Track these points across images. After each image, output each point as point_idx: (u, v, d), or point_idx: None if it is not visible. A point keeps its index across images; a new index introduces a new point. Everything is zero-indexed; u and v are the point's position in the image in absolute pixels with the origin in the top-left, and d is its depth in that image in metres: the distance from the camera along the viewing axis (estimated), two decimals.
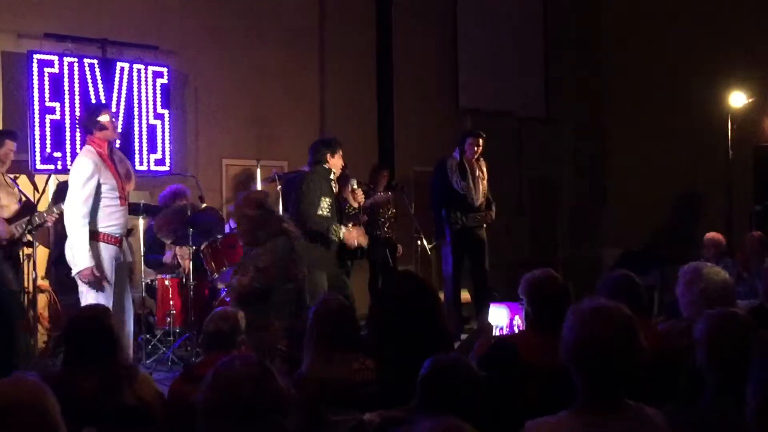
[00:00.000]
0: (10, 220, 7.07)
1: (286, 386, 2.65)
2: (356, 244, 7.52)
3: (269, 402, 2.54)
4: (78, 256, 6.26)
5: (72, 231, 6.29)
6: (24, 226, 7.03)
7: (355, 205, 8.09)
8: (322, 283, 7.31)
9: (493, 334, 5.71)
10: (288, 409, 2.64)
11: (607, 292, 4.26)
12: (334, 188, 7.60)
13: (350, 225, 7.69)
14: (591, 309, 2.90)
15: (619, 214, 14.16)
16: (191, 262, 8.01)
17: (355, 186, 7.93)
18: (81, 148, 6.73)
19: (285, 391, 2.61)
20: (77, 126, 6.79)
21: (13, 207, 7.17)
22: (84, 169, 6.36)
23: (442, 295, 8.84)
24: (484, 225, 9.48)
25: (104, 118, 6.58)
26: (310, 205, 7.35)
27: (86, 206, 6.29)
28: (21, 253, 7.33)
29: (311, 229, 7.30)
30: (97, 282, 6.27)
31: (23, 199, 7.32)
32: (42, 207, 7.32)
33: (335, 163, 7.58)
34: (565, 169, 15.14)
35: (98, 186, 6.37)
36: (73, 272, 6.30)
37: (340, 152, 7.62)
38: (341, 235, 7.38)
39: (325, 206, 7.40)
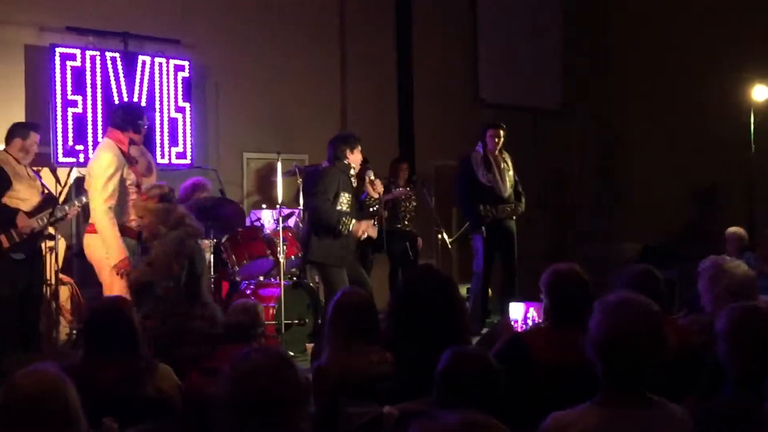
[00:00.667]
0: (31, 213, 7.10)
1: (303, 377, 2.66)
2: (362, 234, 7.52)
3: (286, 392, 2.54)
4: (112, 249, 6.30)
5: (103, 227, 6.33)
6: (45, 219, 7.07)
7: (375, 195, 8.02)
8: (342, 278, 7.33)
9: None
10: (305, 399, 2.64)
11: (626, 286, 4.24)
12: (353, 183, 7.61)
13: (372, 221, 7.70)
14: (618, 302, 2.90)
15: (638, 209, 14.07)
16: (212, 255, 8.03)
17: (372, 177, 7.88)
18: (101, 141, 6.75)
19: (302, 381, 2.62)
20: (110, 118, 6.81)
21: (35, 200, 7.21)
22: (109, 164, 6.39)
23: (463, 289, 8.83)
24: (514, 217, 9.44)
25: (143, 123, 6.66)
26: (324, 199, 7.36)
27: (113, 201, 6.34)
28: (44, 246, 7.37)
29: (323, 221, 7.35)
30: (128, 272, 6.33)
31: (45, 192, 7.36)
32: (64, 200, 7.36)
33: (354, 159, 7.58)
34: (584, 163, 15.07)
35: (122, 181, 6.42)
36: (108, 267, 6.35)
37: (359, 148, 7.62)
38: (350, 227, 7.38)
39: (344, 201, 7.41)
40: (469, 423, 2.36)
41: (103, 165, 6.43)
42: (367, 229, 7.54)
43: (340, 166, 7.52)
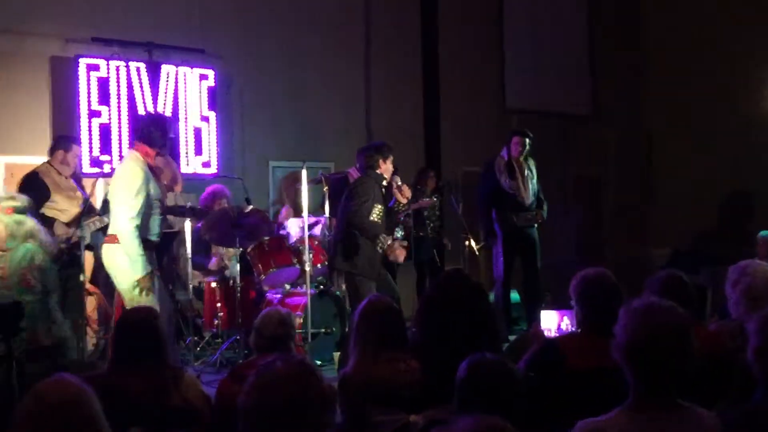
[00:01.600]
0: (69, 224, 7.17)
1: (328, 386, 2.63)
2: (395, 258, 7.52)
3: (311, 401, 2.53)
4: (136, 264, 6.29)
5: (128, 241, 6.29)
6: (84, 228, 7.11)
7: (404, 201, 7.96)
8: (368, 287, 7.30)
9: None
10: (329, 407, 2.62)
11: (655, 292, 4.19)
12: (383, 194, 7.59)
13: (397, 238, 7.70)
14: (644, 307, 2.88)
15: (668, 213, 13.98)
16: (238, 264, 8.02)
17: (399, 182, 7.83)
18: (127, 154, 6.75)
19: (326, 389, 2.59)
20: (136, 130, 6.81)
21: (74, 211, 7.28)
22: (137, 178, 6.35)
23: (491, 296, 8.79)
24: (536, 224, 9.39)
25: (169, 135, 6.67)
26: (363, 209, 7.33)
27: (140, 217, 6.32)
28: (82, 255, 7.37)
29: (366, 232, 7.33)
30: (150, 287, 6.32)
31: (85, 203, 7.39)
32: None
33: (387, 169, 7.55)
34: (612, 168, 14.99)
35: (147, 196, 6.41)
36: (131, 279, 6.35)
37: (392, 158, 7.60)
38: (385, 246, 7.41)
39: (376, 212, 7.38)
40: (483, 427, 2.34)
41: (130, 179, 6.37)
42: (399, 255, 7.58)
43: (373, 176, 7.51)
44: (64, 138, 7.69)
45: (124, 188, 6.36)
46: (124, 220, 6.30)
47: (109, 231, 6.52)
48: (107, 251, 6.48)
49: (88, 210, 7.37)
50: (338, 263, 7.57)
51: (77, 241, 7.11)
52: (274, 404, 2.50)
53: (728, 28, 12.99)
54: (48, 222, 7.15)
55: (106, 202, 7.42)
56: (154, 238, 6.54)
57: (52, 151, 7.50)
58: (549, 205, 9.58)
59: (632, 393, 2.87)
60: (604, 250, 14.61)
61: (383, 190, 7.57)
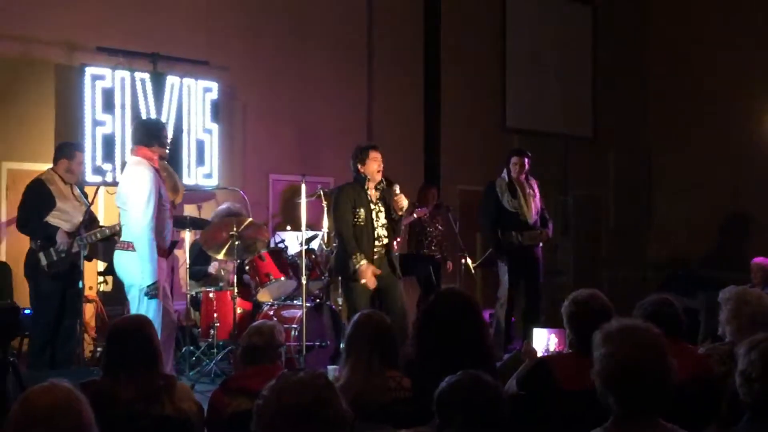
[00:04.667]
0: (72, 233, 7.21)
1: (347, 407, 2.64)
2: (364, 282, 7.38)
3: (327, 417, 2.53)
4: (147, 270, 6.30)
5: (143, 246, 6.29)
6: (83, 239, 7.14)
7: (399, 212, 7.92)
8: (364, 297, 7.37)
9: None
10: (345, 428, 2.62)
11: (644, 315, 4.23)
12: (372, 195, 7.55)
13: (371, 261, 7.57)
14: (617, 328, 2.90)
15: (665, 236, 14.02)
16: (236, 276, 8.06)
17: (398, 191, 7.77)
18: (130, 159, 6.72)
19: (344, 408, 2.60)
20: (134, 136, 6.83)
21: (78, 219, 7.31)
22: (148, 183, 6.34)
23: (486, 314, 8.79)
24: (540, 243, 9.41)
25: (166, 135, 6.70)
26: (339, 220, 7.40)
27: (153, 221, 6.34)
28: (81, 263, 7.41)
29: (342, 243, 7.38)
30: (157, 295, 6.36)
31: (89, 212, 7.42)
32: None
33: (368, 169, 7.50)
34: (611, 190, 15.03)
35: (159, 199, 6.44)
36: (140, 286, 6.35)
37: (372, 155, 7.50)
38: (358, 267, 7.29)
39: (360, 217, 7.38)
40: None
41: (141, 184, 6.35)
42: (369, 279, 7.36)
43: (354, 181, 7.52)
44: (67, 145, 7.72)
45: (136, 194, 6.34)
46: (140, 228, 6.30)
47: (124, 237, 6.50)
48: (120, 258, 6.49)
49: (90, 220, 7.41)
50: (335, 270, 7.69)
51: (78, 251, 7.15)
52: (289, 413, 2.50)
53: (729, 53, 13.07)
54: (52, 230, 7.20)
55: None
56: (163, 243, 6.57)
57: (56, 159, 7.55)
58: (552, 225, 9.60)
59: (612, 414, 2.88)
60: (602, 271, 14.64)
61: (369, 191, 7.54)
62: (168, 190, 6.73)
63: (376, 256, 7.47)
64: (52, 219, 7.27)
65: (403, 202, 7.61)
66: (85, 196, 7.69)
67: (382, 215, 7.57)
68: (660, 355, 2.83)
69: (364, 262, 7.29)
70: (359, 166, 7.49)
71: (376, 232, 7.51)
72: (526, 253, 9.26)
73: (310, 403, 2.51)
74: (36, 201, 7.33)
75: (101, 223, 7.74)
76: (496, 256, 9.38)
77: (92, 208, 7.55)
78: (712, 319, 6.70)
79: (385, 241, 7.58)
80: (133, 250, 6.36)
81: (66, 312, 7.45)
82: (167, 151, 6.82)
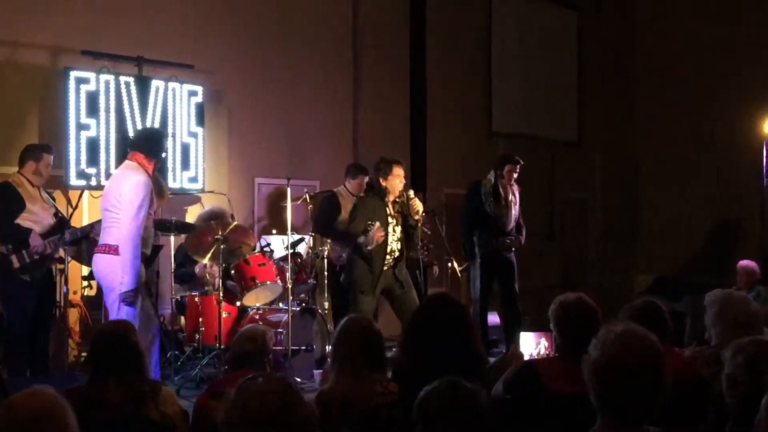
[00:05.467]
0: (44, 235, 7.14)
1: (310, 406, 2.64)
2: (377, 239, 7.56)
3: (293, 420, 2.53)
4: (127, 276, 6.30)
5: (128, 252, 6.31)
6: (56, 242, 7.10)
7: (416, 217, 7.92)
8: (366, 304, 7.59)
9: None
10: (310, 429, 2.63)
11: (631, 319, 4.23)
12: (390, 209, 7.70)
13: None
14: (618, 331, 2.89)
15: (652, 241, 14.08)
16: (221, 280, 8.03)
17: (412, 195, 7.87)
18: (126, 163, 6.71)
19: (309, 410, 2.60)
20: (134, 142, 6.82)
21: (48, 222, 7.26)
22: (143, 190, 6.38)
23: None
24: (513, 249, 9.45)
25: (166, 148, 6.68)
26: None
27: (141, 228, 6.35)
28: (54, 268, 7.39)
29: (352, 242, 7.60)
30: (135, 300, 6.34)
31: (59, 214, 7.38)
32: (75, 222, 7.38)
33: (390, 183, 7.67)
34: (597, 194, 15.07)
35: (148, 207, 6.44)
36: (119, 291, 6.34)
37: (396, 171, 7.68)
38: (370, 241, 7.51)
39: (371, 228, 7.56)
40: None
41: (136, 189, 6.36)
42: (377, 233, 7.55)
43: (373, 193, 7.75)
44: (33, 148, 7.56)
45: (130, 199, 6.36)
46: (128, 233, 6.31)
47: (107, 241, 6.49)
48: (101, 261, 6.47)
49: (59, 223, 7.34)
50: (343, 277, 7.95)
51: (50, 253, 7.10)
52: (256, 421, 2.50)
53: (715, 59, 13.13)
54: (25, 232, 7.12)
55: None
56: (145, 250, 6.56)
57: (22, 162, 7.43)
58: (533, 229, 9.64)
59: (600, 419, 2.87)
60: (588, 275, 14.67)
61: (388, 205, 7.68)
62: (155, 195, 6.72)
63: (385, 267, 7.66)
64: (22, 221, 7.19)
65: (419, 205, 7.75)
66: (53, 198, 7.61)
67: (398, 229, 7.75)
68: (657, 364, 2.82)
69: (373, 227, 7.50)
70: (381, 179, 7.59)
71: (390, 247, 7.69)
72: (500, 256, 9.32)
73: (275, 408, 2.52)
74: (5, 203, 7.24)
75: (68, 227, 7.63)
76: (470, 257, 9.44)
77: (76, 212, 7.52)
78: (698, 323, 6.73)
79: (398, 254, 7.77)
80: (116, 254, 6.35)
81: (43, 317, 7.39)
82: (163, 161, 6.82)
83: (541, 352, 6.32)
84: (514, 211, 9.38)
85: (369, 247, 7.55)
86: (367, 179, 9.20)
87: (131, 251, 6.31)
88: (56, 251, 7.14)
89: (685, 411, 3.78)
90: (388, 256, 7.65)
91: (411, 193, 7.83)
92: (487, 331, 9.48)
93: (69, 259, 7.73)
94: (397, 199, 7.72)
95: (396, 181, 7.66)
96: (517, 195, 9.46)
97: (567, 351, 4.03)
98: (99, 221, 6.99)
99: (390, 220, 7.67)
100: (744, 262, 9.28)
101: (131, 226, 6.31)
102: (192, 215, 9.61)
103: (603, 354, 2.84)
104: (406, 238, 7.85)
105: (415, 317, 4.30)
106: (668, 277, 12.58)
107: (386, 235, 7.61)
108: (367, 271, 7.64)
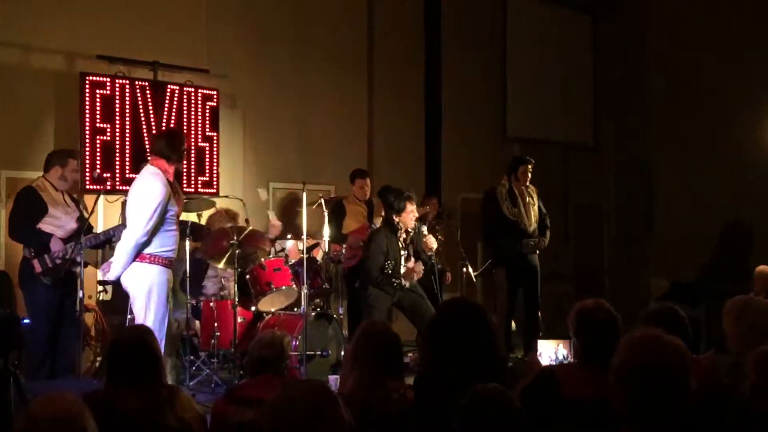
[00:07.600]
0: (66, 240, 7.16)
1: (348, 416, 2.62)
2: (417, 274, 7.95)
3: (331, 427, 2.51)
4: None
5: (125, 250, 6.39)
6: (79, 246, 7.12)
7: (429, 253, 8.28)
8: (381, 303, 7.93)
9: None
10: None
11: (649, 324, 4.20)
12: (401, 241, 7.93)
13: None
14: (646, 336, 2.86)
15: (668, 245, 13.99)
16: (236, 285, 8.03)
17: (425, 232, 8.10)
18: (145, 168, 6.74)
19: (347, 419, 2.58)
20: (154, 145, 6.85)
21: (71, 227, 7.27)
22: (158, 194, 6.40)
23: None
24: (538, 251, 9.42)
25: (186, 149, 6.70)
26: (372, 266, 7.85)
27: (149, 233, 6.37)
28: (76, 272, 7.38)
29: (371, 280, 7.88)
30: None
31: (82, 219, 7.39)
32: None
33: (403, 220, 7.89)
34: (612, 198, 15.02)
35: (166, 211, 6.44)
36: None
37: (409, 208, 7.87)
38: (403, 280, 7.90)
39: (390, 266, 7.83)
40: None
41: (151, 193, 6.41)
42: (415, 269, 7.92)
43: (386, 228, 7.96)
44: (59, 153, 7.63)
45: (142, 205, 6.43)
46: (133, 237, 6.41)
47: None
48: (128, 269, 6.52)
49: (87, 229, 7.36)
50: (360, 275, 8.19)
51: (73, 258, 7.12)
52: (293, 424, 2.49)
53: (729, 61, 13.06)
54: (45, 237, 7.15)
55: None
56: (170, 255, 6.59)
57: (48, 167, 7.47)
58: (550, 233, 9.61)
59: (624, 425, 2.85)
60: (604, 280, 14.62)
61: (400, 240, 7.92)
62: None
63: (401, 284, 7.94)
64: (44, 226, 7.21)
65: (432, 243, 8.02)
66: (77, 203, 7.63)
67: (409, 259, 8.00)
68: (683, 367, 2.79)
69: (408, 265, 7.94)
70: (394, 216, 7.78)
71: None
72: (523, 261, 9.28)
73: (311, 414, 2.49)
74: (28, 208, 7.25)
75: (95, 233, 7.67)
76: (496, 263, 9.42)
77: (92, 216, 7.52)
78: (715, 329, 6.68)
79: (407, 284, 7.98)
80: (141, 260, 6.41)
81: (64, 321, 7.39)
82: (182, 164, 6.85)
83: (560, 359, 6.28)
84: (534, 212, 9.36)
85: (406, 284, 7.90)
86: (367, 181, 9.30)
87: (128, 252, 6.39)
88: (79, 255, 7.14)
89: (706, 419, 3.74)
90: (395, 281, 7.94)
91: (425, 229, 8.14)
92: (510, 339, 9.45)
93: (85, 263, 7.73)
94: (409, 230, 7.95)
95: (410, 216, 7.88)
96: (535, 196, 9.44)
97: (586, 358, 4.00)
98: (119, 226, 7.02)
99: (401, 252, 7.93)
100: (761, 267, 9.19)
101: (138, 232, 6.39)
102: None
103: (630, 358, 2.82)
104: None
105: (434, 322, 4.27)
106: (684, 281, 12.50)
107: (398, 266, 7.87)
108: (384, 294, 7.92)
